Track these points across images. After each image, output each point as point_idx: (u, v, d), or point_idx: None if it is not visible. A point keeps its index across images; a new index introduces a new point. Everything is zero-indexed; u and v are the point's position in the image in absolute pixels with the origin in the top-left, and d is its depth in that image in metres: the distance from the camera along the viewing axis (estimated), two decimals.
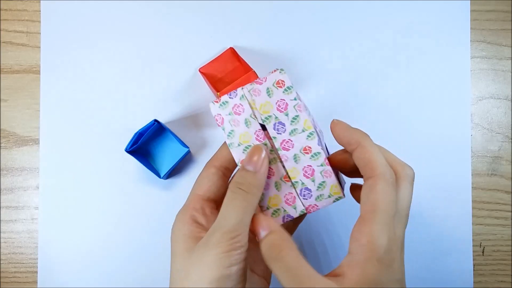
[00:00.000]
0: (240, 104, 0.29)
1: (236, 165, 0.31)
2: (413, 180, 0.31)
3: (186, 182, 0.44)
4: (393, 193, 0.28)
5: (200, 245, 0.29)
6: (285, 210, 0.30)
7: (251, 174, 0.30)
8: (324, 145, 0.32)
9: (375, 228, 0.27)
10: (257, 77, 0.41)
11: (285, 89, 0.29)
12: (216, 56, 0.44)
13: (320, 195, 0.30)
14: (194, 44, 0.45)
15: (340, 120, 0.32)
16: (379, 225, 0.27)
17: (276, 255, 0.28)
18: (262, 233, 0.29)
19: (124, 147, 0.41)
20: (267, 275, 0.35)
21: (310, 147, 0.29)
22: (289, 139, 0.29)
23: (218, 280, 0.28)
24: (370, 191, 0.28)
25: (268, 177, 0.30)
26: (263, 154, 0.30)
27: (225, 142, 0.31)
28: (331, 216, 0.45)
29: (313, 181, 0.30)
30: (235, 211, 0.29)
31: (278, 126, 0.29)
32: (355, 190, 0.34)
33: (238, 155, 0.30)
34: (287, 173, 0.30)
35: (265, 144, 0.30)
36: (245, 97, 0.29)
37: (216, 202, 0.33)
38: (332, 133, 0.32)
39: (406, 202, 0.30)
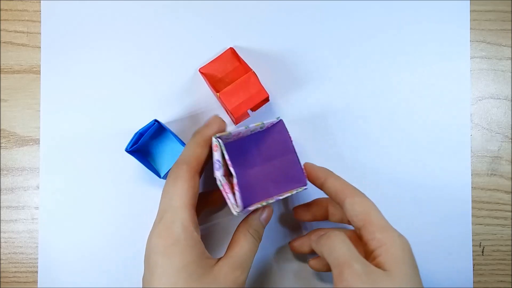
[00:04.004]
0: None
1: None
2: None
3: None
4: (370, 201, 0.35)
5: None
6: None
7: None
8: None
9: (383, 224, 0.34)
10: (257, 77, 0.41)
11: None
12: (216, 56, 0.44)
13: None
14: (194, 44, 0.45)
15: (307, 162, 0.39)
16: (384, 222, 0.34)
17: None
18: None
19: (124, 147, 0.41)
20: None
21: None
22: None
23: None
24: (354, 205, 0.34)
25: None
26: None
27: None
28: None
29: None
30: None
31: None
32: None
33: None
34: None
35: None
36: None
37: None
38: None
39: None
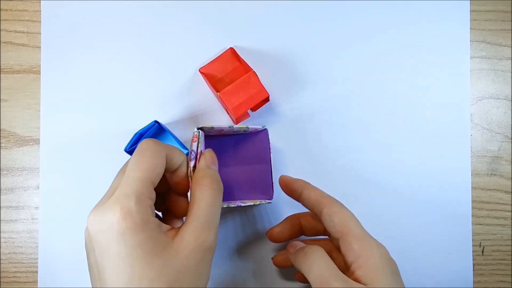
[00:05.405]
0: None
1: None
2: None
3: None
4: (348, 211, 0.34)
5: None
6: None
7: None
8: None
9: (360, 234, 0.32)
10: (257, 77, 0.41)
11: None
12: (216, 56, 0.44)
13: None
14: (194, 44, 0.45)
15: (283, 175, 0.38)
16: (361, 232, 0.33)
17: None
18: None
19: (124, 147, 0.41)
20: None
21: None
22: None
23: None
24: (332, 216, 0.33)
25: None
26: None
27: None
28: None
29: None
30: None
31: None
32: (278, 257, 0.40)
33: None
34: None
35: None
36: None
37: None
38: (280, 185, 0.37)
39: None
